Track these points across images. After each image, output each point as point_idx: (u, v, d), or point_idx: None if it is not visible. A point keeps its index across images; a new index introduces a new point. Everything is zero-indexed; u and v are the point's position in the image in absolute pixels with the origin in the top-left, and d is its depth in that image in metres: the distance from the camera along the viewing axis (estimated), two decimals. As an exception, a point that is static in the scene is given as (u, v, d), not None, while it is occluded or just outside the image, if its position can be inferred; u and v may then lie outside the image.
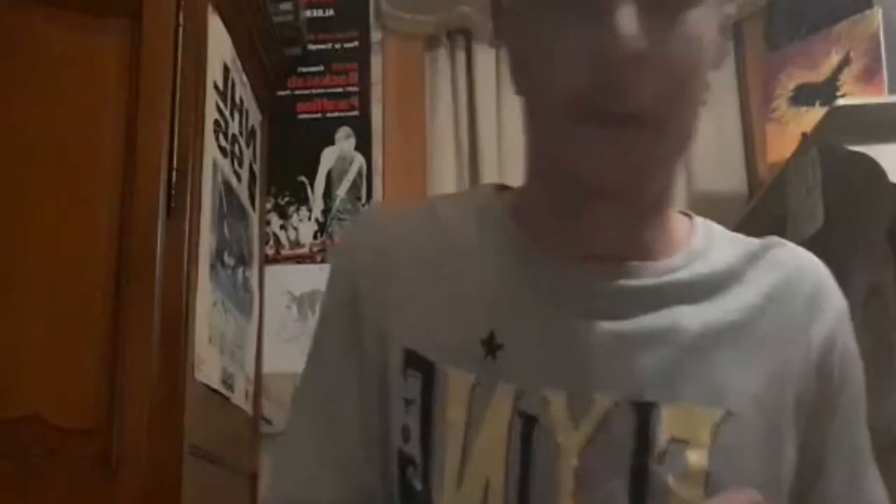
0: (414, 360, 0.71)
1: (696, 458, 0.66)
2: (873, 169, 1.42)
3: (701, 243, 0.75)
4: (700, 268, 0.73)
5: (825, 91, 1.80)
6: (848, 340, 0.76)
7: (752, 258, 0.75)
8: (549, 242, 0.73)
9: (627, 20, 0.61)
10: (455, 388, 0.69)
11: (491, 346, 0.70)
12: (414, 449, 0.70)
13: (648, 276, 0.71)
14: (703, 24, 0.66)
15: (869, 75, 1.72)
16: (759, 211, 1.88)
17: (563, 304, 0.70)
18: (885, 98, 1.63)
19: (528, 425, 0.68)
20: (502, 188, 0.82)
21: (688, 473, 0.66)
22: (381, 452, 0.73)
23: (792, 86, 1.91)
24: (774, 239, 0.78)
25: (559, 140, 0.67)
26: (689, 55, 0.65)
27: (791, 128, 1.86)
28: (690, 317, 0.70)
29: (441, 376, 0.70)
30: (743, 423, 0.68)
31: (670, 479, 0.66)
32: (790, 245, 0.78)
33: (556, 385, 0.68)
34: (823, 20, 1.86)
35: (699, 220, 0.78)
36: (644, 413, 0.67)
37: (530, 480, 0.67)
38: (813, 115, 1.72)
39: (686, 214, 0.79)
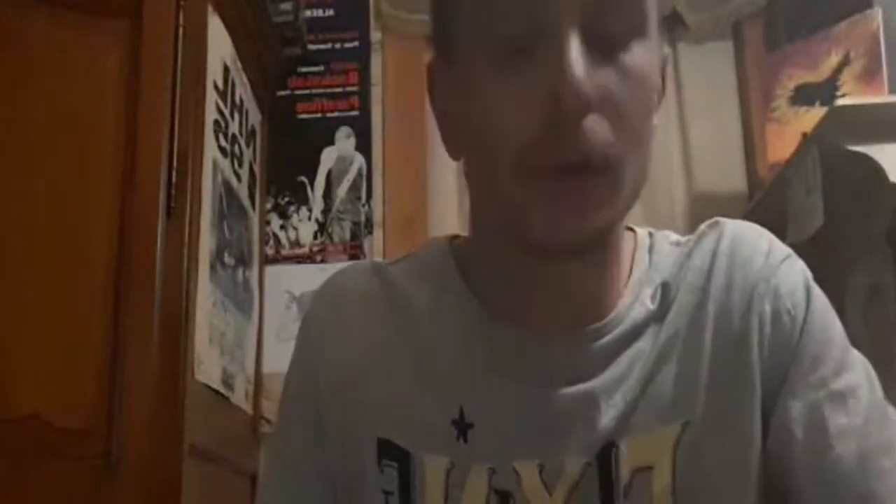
0: (388, 450, 0.72)
1: (660, 479, 0.67)
2: (873, 169, 1.42)
3: (643, 268, 0.74)
4: (646, 297, 0.72)
5: (825, 91, 1.80)
6: (780, 283, 0.71)
7: (686, 259, 0.73)
8: (506, 310, 0.72)
9: (578, 68, 0.59)
10: (431, 474, 0.70)
11: (461, 425, 0.70)
12: None
13: (604, 333, 0.71)
14: (649, 64, 0.65)
15: (869, 75, 1.72)
16: (759, 211, 1.88)
17: (526, 376, 0.70)
18: (885, 98, 1.63)
19: (503, 501, 0.69)
20: (455, 237, 0.80)
21: (653, 497, 0.67)
22: None
23: (792, 86, 1.92)
24: (702, 228, 0.76)
25: (509, 201, 0.65)
26: (639, 97, 0.64)
27: (791, 128, 1.86)
28: (646, 346, 0.70)
29: (417, 463, 0.71)
30: (703, 426, 0.68)
31: None
32: (714, 228, 0.75)
33: (526, 457, 0.69)
34: (823, 20, 1.87)
35: (642, 237, 0.76)
36: (604, 456, 0.68)
37: None
38: (813, 115, 1.72)
39: (630, 230, 0.77)
